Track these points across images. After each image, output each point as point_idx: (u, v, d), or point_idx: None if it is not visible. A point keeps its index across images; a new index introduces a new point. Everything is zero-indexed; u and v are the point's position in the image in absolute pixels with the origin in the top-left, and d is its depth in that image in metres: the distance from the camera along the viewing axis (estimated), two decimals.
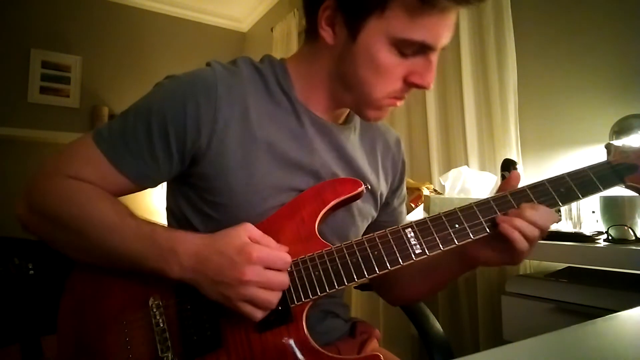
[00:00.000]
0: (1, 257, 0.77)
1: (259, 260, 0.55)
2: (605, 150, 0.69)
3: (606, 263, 0.94)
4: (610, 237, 1.01)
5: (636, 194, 1.01)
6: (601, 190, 0.64)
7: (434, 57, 0.64)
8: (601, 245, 0.99)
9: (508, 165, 1.39)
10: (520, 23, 1.61)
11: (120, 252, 0.59)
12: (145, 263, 0.58)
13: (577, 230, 1.21)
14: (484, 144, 1.70)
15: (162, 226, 0.60)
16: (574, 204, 1.26)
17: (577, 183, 0.63)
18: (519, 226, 0.59)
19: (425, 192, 1.63)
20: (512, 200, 0.63)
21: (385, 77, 0.64)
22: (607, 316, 0.45)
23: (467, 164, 1.71)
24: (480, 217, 0.62)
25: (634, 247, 0.90)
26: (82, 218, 0.60)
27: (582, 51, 1.45)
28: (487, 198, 0.64)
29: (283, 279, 0.56)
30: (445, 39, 0.63)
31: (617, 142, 1.03)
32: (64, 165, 0.64)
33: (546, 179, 0.65)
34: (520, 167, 1.49)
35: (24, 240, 0.76)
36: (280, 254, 0.57)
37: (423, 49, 0.62)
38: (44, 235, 0.63)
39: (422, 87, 0.65)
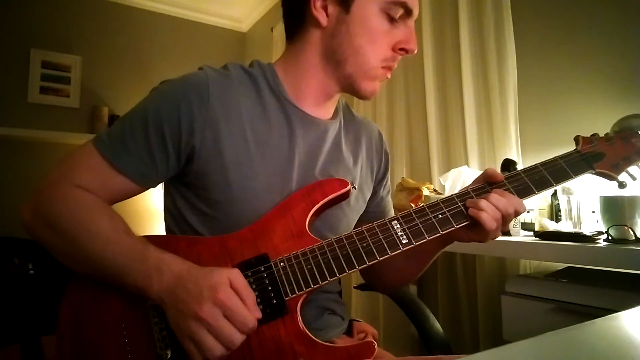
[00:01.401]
0: (1, 257, 0.77)
1: (222, 304, 0.53)
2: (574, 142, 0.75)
3: (606, 263, 0.94)
4: (610, 237, 1.01)
5: (636, 194, 1.01)
6: (573, 177, 0.69)
7: (412, 24, 0.74)
8: (601, 245, 0.99)
9: (508, 165, 1.39)
10: (520, 23, 1.61)
11: (110, 265, 0.60)
12: (129, 278, 0.59)
13: (577, 230, 1.21)
14: (484, 144, 1.70)
15: (156, 247, 0.61)
16: (574, 204, 1.26)
17: (550, 171, 0.70)
18: (483, 207, 0.64)
19: (425, 192, 1.62)
20: (490, 190, 0.68)
21: (378, 44, 0.71)
22: (607, 316, 0.45)
23: (467, 164, 1.71)
24: (461, 206, 0.67)
25: (634, 247, 0.90)
26: (80, 229, 0.61)
27: (582, 51, 1.45)
28: (468, 189, 0.69)
29: (234, 337, 0.53)
30: (416, 6, 0.73)
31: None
32: (69, 173, 0.66)
33: (521, 169, 0.70)
34: (520, 167, 1.49)
35: (24, 240, 0.77)
36: (246, 315, 0.54)
37: (405, 14, 0.72)
38: (45, 242, 0.64)
39: (409, 52, 0.73)
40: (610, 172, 0.71)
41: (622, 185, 0.72)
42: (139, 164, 0.66)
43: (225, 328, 0.53)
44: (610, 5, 1.38)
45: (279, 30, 3.10)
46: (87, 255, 0.61)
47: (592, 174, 0.72)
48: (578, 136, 0.75)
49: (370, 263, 0.63)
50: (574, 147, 0.75)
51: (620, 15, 1.35)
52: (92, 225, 0.61)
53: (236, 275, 0.56)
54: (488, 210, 0.64)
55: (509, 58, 1.60)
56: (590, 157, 0.71)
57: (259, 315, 0.56)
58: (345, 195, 0.72)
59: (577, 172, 0.70)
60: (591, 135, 0.75)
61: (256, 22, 3.63)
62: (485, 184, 0.69)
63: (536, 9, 1.60)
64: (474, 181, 0.73)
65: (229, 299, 0.54)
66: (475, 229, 0.66)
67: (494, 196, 0.65)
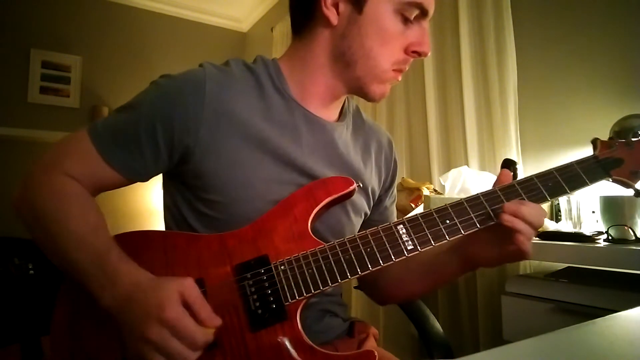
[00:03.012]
0: (1, 257, 0.77)
1: (168, 323, 0.51)
2: (592, 145, 0.70)
3: (606, 263, 0.94)
4: (610, 237, 1.01)
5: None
6: (588, 185, 0.65)
7: (426, 25, 0.71)
8: (601, 245, 0.99)
9: (508, 165, 1.39)
10: (520, 23, 1.61)
11: (73, 263, 0.59)
12: (87, 283, 0.58)
13: (577, 230, 1.21)
14: (484, 144, 1.70)
15: (119, 254, 0.59)
16: (574, 204, 1.26)
17: (565, 178, 0.65)
18: (523, 214, 0.59)
19: (425, 192, 1.63)
20: (501, 195, 0.64)
21: (390, 46, 0.69)
22: (607, 316, 0.45)
23: (467, 164, 1.71)
24: (471, 212, 0.63)
25: (634, 247, 0.90)
26: (53, 221, 0.60)
27: (582, 51, 1.45)
28: (477, 194, 0.65)
29: (185, 355, 0.51)
30: (432, 6, 0.71)
31: None
32: (60, 160, 0.66)
33: (534, 174, 0.66)
34: (520, 167, 1.49)
35: (24, 240, 0.77)
36: (196, 333, 0.51)
37: (420, 15, 0.69)
38: (28, 227, 0.64)
39: (421, 54, 0.71)
40: (628, 179, 0.66)
41: (639, 193, 0.67)
42: (127, 158, 0.65)
43: (175, 348, 0.50)
44: (610, 5, 1.38)
45: (279, 30, 3.10)
46: (55, 248, 0.60)
47: (608, 181, 0.67)
48: (596, 139, 0.69)
49: (374, 269, 0.60)
50: (578, 148, 0.72)
51: (620, 15, 1.35)
52: (64, 219, 0.60)
53: (188, 286, 0.53)
54: (528, 217, 0.59)
55: (509, 58, 1.59)
56: (608, 163, 0.66)
57: (218, 322, 0.53)
58: (350, 195, 0.69)
59: (594, 179, 0.65)
60: (609, 139, 0.70)
61: (256, 22, 3.63)
62: (496, 189, 0.65)
63: (536, 9, 1.60)
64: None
65: (175, 318, 0.51)
66: (510, 248, 0.61)
67: (524, 208, 0.59)
